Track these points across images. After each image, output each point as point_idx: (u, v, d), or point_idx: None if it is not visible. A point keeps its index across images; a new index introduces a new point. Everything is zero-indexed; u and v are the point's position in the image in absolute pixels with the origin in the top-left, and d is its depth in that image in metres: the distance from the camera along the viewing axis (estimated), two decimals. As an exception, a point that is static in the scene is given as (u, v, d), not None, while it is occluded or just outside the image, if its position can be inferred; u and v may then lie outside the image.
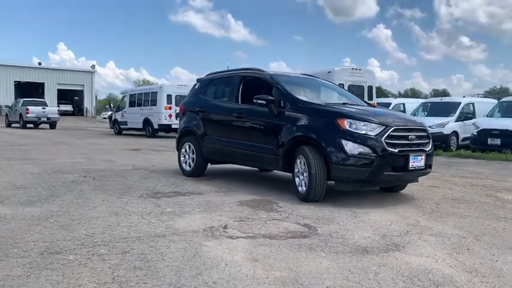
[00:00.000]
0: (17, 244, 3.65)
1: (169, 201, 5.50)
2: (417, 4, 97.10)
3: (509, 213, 5.37)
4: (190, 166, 7.68)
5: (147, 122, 21.60)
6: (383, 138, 5.29)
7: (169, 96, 21.03)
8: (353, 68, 15.83)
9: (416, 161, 5.50)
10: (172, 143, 15.44)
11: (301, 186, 5.69)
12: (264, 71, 6.87)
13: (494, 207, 5.68)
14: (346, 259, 3.48)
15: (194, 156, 7.56)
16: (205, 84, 7.84)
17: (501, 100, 15.84)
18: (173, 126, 21.18)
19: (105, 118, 54.73)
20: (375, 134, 5.29)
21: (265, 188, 6.63)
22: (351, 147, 5.25)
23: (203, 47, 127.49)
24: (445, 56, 79.33)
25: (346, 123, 5.36)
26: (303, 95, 6.48)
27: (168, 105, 20.92)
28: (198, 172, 7.58)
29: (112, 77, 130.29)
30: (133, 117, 22.44)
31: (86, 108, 52.05)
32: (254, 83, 7.09)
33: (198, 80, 8.11)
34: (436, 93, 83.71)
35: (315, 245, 3.84)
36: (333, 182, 5.56)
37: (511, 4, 72.12)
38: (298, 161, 5.74)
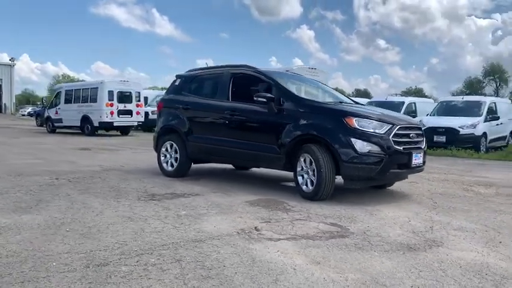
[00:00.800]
0: (50, 257, 3.27)
1: (175, 204, 5.23)
2: (338, 7, 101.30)
3: (499, 206, 5.71)
4: (172, 166, 7.36)
5: (85, 119, 20.46)
6: (390, 137, 5.40)
7: (111, 93, 20.10)
8: (309, 68, 16.11)
9: (417, 158, 5.69)
10: (120, 141, 14.66)
11: (306, 185, 5.66)
12: (257, 68, 6.75)
13: (482, 201, 6.02)
14: (402, 257, 3.51)
15: (178, 155, 7.26)
16: (188, 81, 7.55)
17: (441, 100, 16.94)
18: (115, 124, 20.31)
19: (23, 115, 51.17)
20: (383, 132, 5.39)
21: (259, 187, 6.53)
22: (360, 145, 5.30)
23: (126, 42, 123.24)
24: (364, 58, 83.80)
25: (354, 122, 5.41)
26: (298, 93, 6.45)
27: (110, 102, 19.98)
28: (181, 172, 7.29)
29: (27, 71, 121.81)
30: (70, 114, 21.15)
31: (5, 104, 48.24)
32: (244, 81, 6.95)
33: (179, 77, 7.79)
34: (358, 92, 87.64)
35: (360, 244, 3.82)
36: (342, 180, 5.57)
37: (423, 10, 77.55)
38: (302, 160, 5.70)
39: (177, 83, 7.69)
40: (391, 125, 5.47)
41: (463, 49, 77.41)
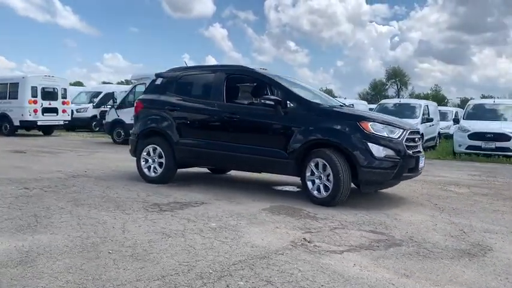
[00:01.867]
0: (123, 286, 2.82)
1: (191, 214, 4.86)
2: (250, 7, 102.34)
3: (492, 206, 6.04)
4: (155, 172, 6.85)
5: (3, 117, 18.52)
6: (403, 141, 5.48)
7: (34, 89, 18.41)
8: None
9: (421, 162, 5.85)
10: (50, 142, 13.78)
11: (319, 190, 5.55)
12: (255, 69, 6.51)
13: (472, 201, 6.34)
14: (474, 264, 3.55)
15: (163, 160, 6.77)
16: (173, 80, 7.06)
17: (380, 102, 17.81)
18: (39, 123, 18.67)
19: None
20: (397, 137, 5.46)
21: (258, 192, 6.29)
22: (377, 150, 5.32)
23: (24, 33, 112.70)
24: (275, 58, 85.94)
25: (370, 126, 5.41)
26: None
27: (33, 99, 18.30)
28: (166, 178, 6.82)
29: None
30: (-17, 112, 19.01)
31: None
32: (239, 82, 6.69)
33: (160, 75, 7.27)
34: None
35: (421, 252, 3.81)
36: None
37: (330, 15, 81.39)
38: (313, 164, 5.58)
39: (158, 82, 7.17)
40: (403, 130, 5.55)
41: (365, 53, 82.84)
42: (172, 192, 6.09)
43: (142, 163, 6.97)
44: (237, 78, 6.62)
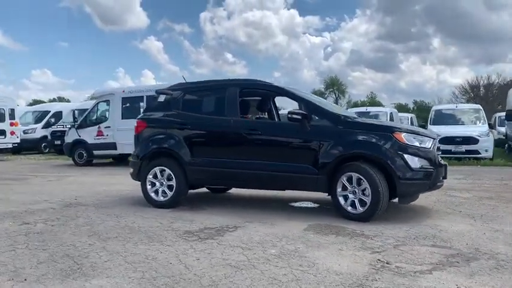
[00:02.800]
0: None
1: (238, 241, 4.51)
2: (185, 20, 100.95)
3: (508, 208, 6.14)
4: (164, 195, 6.39)
5: None
6: (435, 150, 5.46)
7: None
8: None
9: (447, 169, 5.85)
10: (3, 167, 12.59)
11: (353, 206, 5.37)
12: (272, 84, 6.26)
13: (489, 207, 6.43)
14: None
15: (172, 182, 6.32)
16: (179, 97, 6.64)
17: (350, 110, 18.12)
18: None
19: None
20: (429, 146, 5.42)
21: (284, 211, 6.04)
22: (413, 161, 5.24)
23: None
24: (213, 71, 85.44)
25: (403, 137, 5.33)
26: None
27: None
28: (177, 202, 6.37)
29: None
30: None
31: None
32: (251, 96, 6.41)
33: (162, 92, 6.81)
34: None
35: (505, 265, 3.72)
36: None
37: (264, 26, 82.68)
38: (345, 179, 5.40)
39: (161, 100, 6.71)
40: (432, 139, 5.52)
41: (300, 63, 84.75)
42: (194, 217, 5.67)
43: (149, 187, 6.47)
44: (250, 92, 6.34)
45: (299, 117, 5.54)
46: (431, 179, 5.33)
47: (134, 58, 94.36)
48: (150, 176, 6.45)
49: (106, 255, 4.04)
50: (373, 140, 5.35)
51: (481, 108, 15.74)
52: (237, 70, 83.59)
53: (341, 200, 5.48)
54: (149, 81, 70.13)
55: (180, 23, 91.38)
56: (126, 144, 13.57)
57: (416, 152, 5.28)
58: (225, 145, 6.12)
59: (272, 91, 6.32)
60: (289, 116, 5.57)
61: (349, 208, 5.41)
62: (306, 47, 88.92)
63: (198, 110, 6.56)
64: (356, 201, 5.36)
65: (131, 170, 6.75)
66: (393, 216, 5.55)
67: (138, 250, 4.20)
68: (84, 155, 14.63)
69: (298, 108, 5.81)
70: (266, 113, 7.10)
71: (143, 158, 6.53)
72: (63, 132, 18.57)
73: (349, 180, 5.40)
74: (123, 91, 14.29)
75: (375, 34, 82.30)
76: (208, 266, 3.69)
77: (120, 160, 15.45)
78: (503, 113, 18.34)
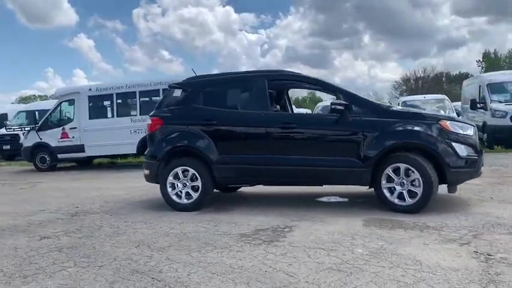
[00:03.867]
0: None
1: (306, 241, 4.19)
2: (117, 16, 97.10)
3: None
4: (188, 197, 5.90)
5: None
6: (477, 137, 5.42)
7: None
8: None
9: None
10: None
11: (400, 198, 5.20)
12: (298, 73, 5.98)
13: (505, 191, 6.52)
14: None
15: (198, 183, 5.84)
16: (198, 90, 6.14)
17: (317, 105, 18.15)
18: None
19: None
20: (472, 133, 5.36)
21: (323, 207, 5.74)
22: (461, 149, 5.16)
23: None
24: (149, 68, 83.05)
25: (450, 126, 5.24)
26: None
27: None
28: (202, 203, 5.91)
29: None
30: None
31: None
32: (278, 88, 6.09)
33: (178, 86, 6.28)
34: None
35: None
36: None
37: (201, 23, 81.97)
38: (390, 171, 5.23)
39: (177, 94, 6.18)
40: (473, 126, 5.48)
41: (238, 61, 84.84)
42: (232, 219, 5.26)
43: (169, 189, 5.95)
44: (279, 84, 6.00)
45: (342, 107, 5.29)
46: (476, 166, 5.27)
47: (64, 57, 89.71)
48: (170, 178, 5.93)
49: (181, 268, 3.57)
50: (421, 129, 5.21)
51: (447, 98, 16.30)
52: (174, 67, 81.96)
53: (386, 192, 5.28)
54: (81, 81, 66.90)
55: (112, 19, 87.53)
56: (96, 146, 12.75)
57: (463, 140, 5.21)
58: (257, 141, 5.73)
59: (303, 82, 6.01)
60: (333, 106, 5.29)
61: (396, 200, 5.23)
62: (243, 44, 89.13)
63: (222, 104, 6.11)
64: (404, 192, 5.19)
65: (146, 171, 6.18)
66: (432, 208, 5.36)
67: (211, 259, 3.76)
68: (47, 159, 13.53)
69: (336, 99, 5.52)
70: (279, 106, 6.78)
71: (162, 158, 5.98)
72: (13, 136, 17.15)
73: (396, 171, 5.22)
74: (90, 89, 13.34)
75: (308, 31, 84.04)
76: (311, 272, 3.34)
77: (85, 164, 14.47)
78: (459, 103, 19.16)
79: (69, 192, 8.44)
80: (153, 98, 12.86)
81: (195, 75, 6.68)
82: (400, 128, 5.24)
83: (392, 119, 5.34)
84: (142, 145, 12.53)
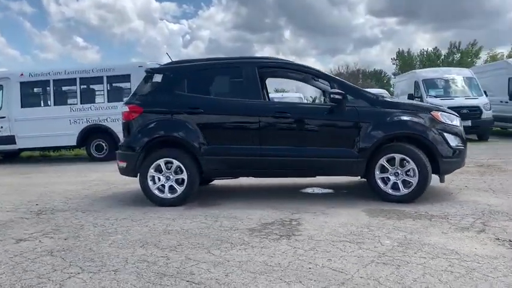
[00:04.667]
0: None
1: (326, 234, 4.04)
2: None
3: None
4: (172, 191, 5.50)
5: None
6: (462, 128, 5.59)
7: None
8: None
9: None
10: None
11: (394, 188, 5.23)
12: (290, 61, 5.79)
13: (503, 179, 6.86)
14: None
15: (183, 176, 5.46)
16: (182, 76, 5.71)
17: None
18: None
19: None
20: (458, 124, 5.52)
21: (315, 199, 5.66)
22: (451, 139, 5.29)
23: None
24: (62, 55, 77.20)
25: (440, 116, 5.35)
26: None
27: None
28: (187, 198, 5.54)
29: None
30: None
31: None
32: (268, 76, 5.86)
33: (158, 71, 5.79)
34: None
35: None
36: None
37: (119, 10, 78.71)
38: (384, 161, 5.24)
39: (158, 80, 5.70)
40: (458, 117, 5.64)
41: (159, 50, 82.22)
42: (229, 213, 4.97)
43: (150, 183, 5.49)
44: (268, 72, 5.76)
45: (340, 97, 5.18)
46: (463, 156, 5.43)
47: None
48: (152, 171, 5.48)
49: (212, 268, 3.25)
50: (415, 120, 5.26)
51: (386, 92, 16.96)
52: (90, 55, 77.59)
53: (379, 182, 5.28)
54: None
55: (18, 0, 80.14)
56: (29, 138, 11.66)
57: (452, 130, 5.34)
58: (249, 130, 5.45)
59: (294, 70, 5.81)
60: (332, 96, 5.17)
61: (390, 190, 5.25)
62: (165, 34, 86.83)
63: (208, 91, 5.75)
64: (399, 182, 5.22)
65: (122, 164, 5.65)
66: (420, 198, 5.37)
67: (238, 257, 3.48)
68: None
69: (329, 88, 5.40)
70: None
71: (142, 149, 5.49)
72: None
73: (390, 161, 5.23)
74: (22, 74, 12.09)
75: (231, 24, 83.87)
76: (357, 266, 3.18)
77: (11, 157, 13.17)
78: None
79: (15, 188, 7.56)
80: (96, 86, 11.98)
81: (170, 59, 6.20)
82: (396, 119, 5.25)
83: (386, 109, 5.33)
84: (83, 137, 11.69)
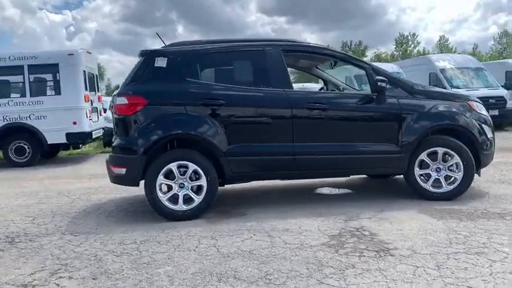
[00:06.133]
0: None
1: (426, 247, 3.45)
2: None
3: None
4: (188, 202, 4.49)
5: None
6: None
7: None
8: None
9: None
10: None
11: (436, 184, 4.83)
12: (319, 44, 5.06)
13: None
14: None
15: (202, 182, 4.48)
16: (194, 61, 4.65)
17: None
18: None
19: None
20: (488, 114, 5.27)
21: (339, 201, 5.00)
22: (487, 130, 5.00)
23: None
24: None
25: (475, 106, 5.06)
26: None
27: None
28: (206, 208, 4.58)
29: None
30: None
31: None
32: (291, 62, 5.12)
33: (162, 54, 4.66)
34: None
35: None
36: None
37: None
38: (426, 155, 4.81)
39: (162, 65, 4.60)
40: (483, 106, 5.38)
41: (39, 42, 75.04)
42: (277, 226, 4.11)
43: (160, 193, 4.42)
44: (295, 56, 4.99)
45: (385, 84, 4.60)
46: (493, 148, 5.18)
47: None
48: (161, 177, 4.41)
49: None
50: (458, 111, 4.88)
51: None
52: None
53: (419, 179, 4.82)
54: None
55: None
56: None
57: (487, 121, 5.06)
58: (280, 125, 4.62)
59: (323, 55, 5.08)
60: (379, 84, 4.55)
61: (431, 187, 4.81)
62: (45, 25, 79.68)
63: (227, 79, 4.79)
64: (441, 179, 4.80)
65: (120, 170, 4.49)
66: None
67: (367, 286, 2.70)
68: None
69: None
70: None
71: (147, 151, 4.39)
72: None
73: (431, 156, 4.79)
74: None
75: (119, 16, 79.66)
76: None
77: None
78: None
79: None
80: (14, 77, 10.06)
81: (162, 42, 5.06)
82: (439, 109, 4.82)
83: (425, 99, 4.88)
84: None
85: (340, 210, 4.53)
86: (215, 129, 4.45)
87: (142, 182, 4.51)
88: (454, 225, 3.90)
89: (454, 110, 4.85)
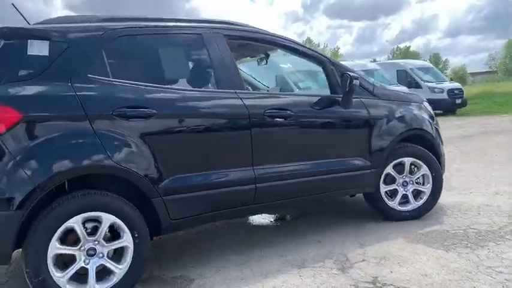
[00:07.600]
0: None
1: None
2: None
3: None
4: (102, 279, 2.76)
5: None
6: None
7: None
8: None
9: None
10: None
11: (403, 201, 4.05)
12: (266, 31, 3.73)
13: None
14: None
15: (125, 242, 2.77)
16: (90, 47, 2.81)
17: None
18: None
19: None
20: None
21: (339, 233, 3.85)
22: (440, 132, 4.51)
23: None
24: None
25: (428, 106, 4.50)
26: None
27: None
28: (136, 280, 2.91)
29: None
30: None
31: None
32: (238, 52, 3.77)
33: (32, 34, 2.74)
34: None
35: None
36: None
37: None
38: (391, 168, 4.01)
39: (43, 52, 2.70)
40: None
41: None
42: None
43: (56, 273, 2.60)
44: (239, 46, 3.60)
45: (357, 81, 3.59)
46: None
47: None
48: (55, 244, 2.58)
49: None
50: (421, 114, 4.22)
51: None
52: None
53: (385, 197, 4.01)
54: None
55: None
56: None
57: (437, 123, 4.53)
58: (234, 143, 3.18)
59: (272, 43, 3.73)
60: (354, 82, 3.50)
61: (399, 206, 4.04)
62: None
63: (150, 77, 3.08)
64: (409, 194, 4.05)
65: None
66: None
67: None
68: None
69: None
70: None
71: (25, 202, 2.49)
72: None
73: (396, 168, 4.00)
74: None
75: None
76: None
77: None
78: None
79: None
80: None
81: (24, 18, 3.09)
82: (404, 113, 4.04)
83: (388, 100, 4.05)
84: None
85: (316, 250, 3.35)
86: (143, 154, 2.78)
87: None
88: (474, 256, 3.08)
89: (416, 112, 4.14)
